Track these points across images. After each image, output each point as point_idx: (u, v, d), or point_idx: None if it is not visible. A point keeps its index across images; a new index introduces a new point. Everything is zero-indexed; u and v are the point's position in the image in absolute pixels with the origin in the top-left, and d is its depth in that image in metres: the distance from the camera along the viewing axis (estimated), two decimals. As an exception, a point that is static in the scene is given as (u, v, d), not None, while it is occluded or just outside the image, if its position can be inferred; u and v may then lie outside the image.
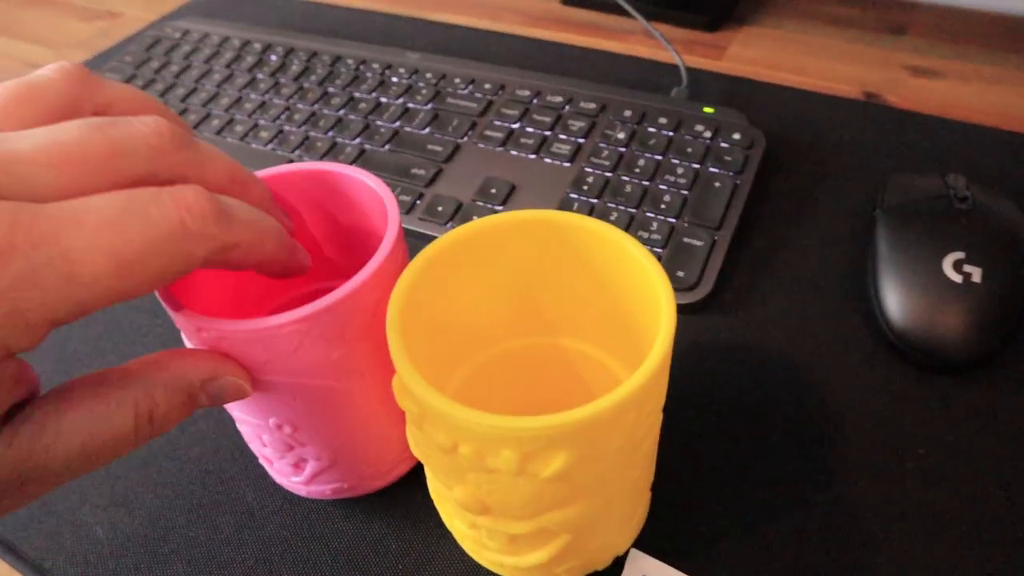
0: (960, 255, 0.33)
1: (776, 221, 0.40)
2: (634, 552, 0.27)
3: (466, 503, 0.22)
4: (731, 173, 0.40)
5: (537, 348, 0.28)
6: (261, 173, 0.26)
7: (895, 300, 0.33)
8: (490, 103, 0.46)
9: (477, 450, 0.20)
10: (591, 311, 0.26)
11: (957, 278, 0.32)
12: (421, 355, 0.24)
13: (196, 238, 0.18)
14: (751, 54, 0.52)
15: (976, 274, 0.32)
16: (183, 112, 0.49)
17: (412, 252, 0.38)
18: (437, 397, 0.20)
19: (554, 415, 0.19)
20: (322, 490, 0.29)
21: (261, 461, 0.29)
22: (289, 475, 0.28)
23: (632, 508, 0.25)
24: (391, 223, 0.24)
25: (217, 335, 0.22)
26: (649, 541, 0.28)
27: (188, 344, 0.24)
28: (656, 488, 0.29)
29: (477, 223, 0.24)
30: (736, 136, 0.42)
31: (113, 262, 0.17)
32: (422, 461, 0.24)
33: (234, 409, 0.26)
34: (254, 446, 0.28)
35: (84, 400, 0.19)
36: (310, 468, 0.27)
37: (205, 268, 0.20)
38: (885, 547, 0.27)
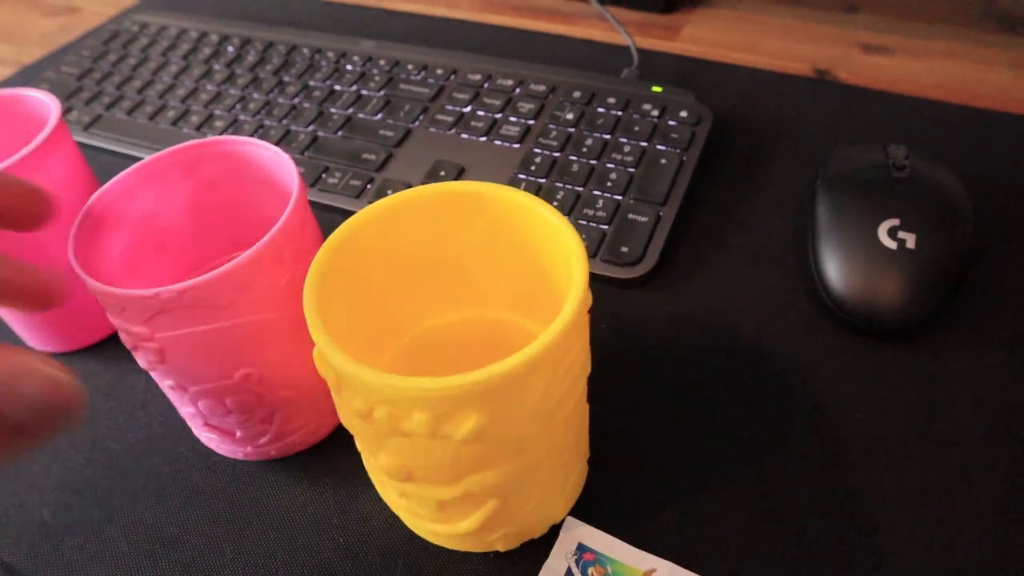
0: (895, 222, 0.33)
1: (722, 196, 0.40)
2: (569, 519, 0.28)
3: (390, 470, 0.23)
4: (677, 150, 0.40)
5: (468, 321, 0.29)
6: (171, 149, 0.29)
7: (833, 267, 0.33)
8: (442, 88, 0.46)
9: (391, 413, 0.20)
10: (516, 281, 0.27)
11: (892, 244, 0.33)
12: (347, 331, 0.24)
13: None
14: (705, 35, 0.53)
15: (910, 240, 0.32)
16: (139, 104, 0.49)
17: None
18: (350, 363, 0.20)
19: (462, 375, 0.19)
20: (289, 443, 0.30)
21: (209, 437, 0.30)
22: (256, 438, 0.29)
23: (564, 475, 0.26)
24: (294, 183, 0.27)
25: (188, 286, 0.23)
26: (587, 510, 0.28)
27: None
28: (595, 459, 0.29)
29: (397, 195, 0.25)
30: (683, 114, 0.42)
31: None
32: (349, 430, 0.24)
33: (194, 382, 0.26)
34: (209, 421, 0.28)
35: None
36: (278, 418, 0.28)
37: None
38: (823, 513, 0.27)
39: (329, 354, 0.20)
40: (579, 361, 0.22)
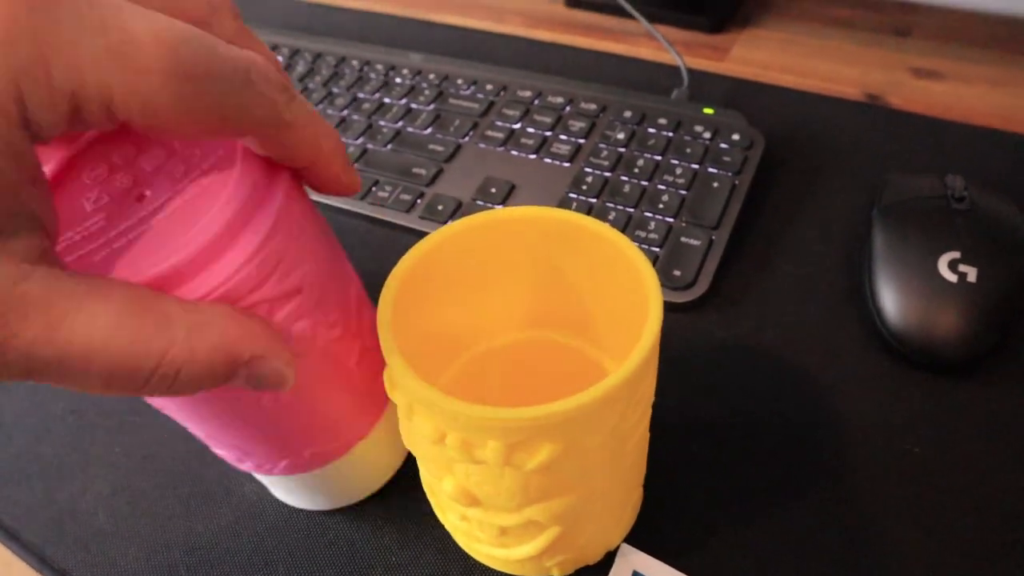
0: (955, 255, 0.33)
1: (774, 221, 0.40)
2: (624, 547, 0.27)
3: (455, 495, 0.23)
4: (729, 173, 0.40)
5: (531, 343, 0.29)
6: None
7: (891, 299, 0.33)
8: (492, 104, 0.47)
9: (464, 441, 0.20)
10: (584, 307, 0.27)
11: (952, 277, 0.32)
12: (413, 349, 0.25)
13: (256, 93, 0.16)
14: (754, 56, 0.52)
15: (971, 274, 0.32)
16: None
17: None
18: (425, 388, 0.20)
19: (539, 406, 0.19)
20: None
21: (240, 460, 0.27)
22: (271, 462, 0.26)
23: (623, 503, 0.25)
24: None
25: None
26: (641, 537, 0.28)
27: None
28: (649, 485, 0.29)
29: (472, 218, 0.25)
30: (735, 137, 0.42)
31: (172, 58, 0.15)
32: (414, 453, 0.24)
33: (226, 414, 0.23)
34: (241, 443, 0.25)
35: (117, 304, 0.15)
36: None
37: (258, 137, 0.18)
38: (879, 547, 0.27)
39: (403, 379, 0.20)
40: (650, 391, 0.22)
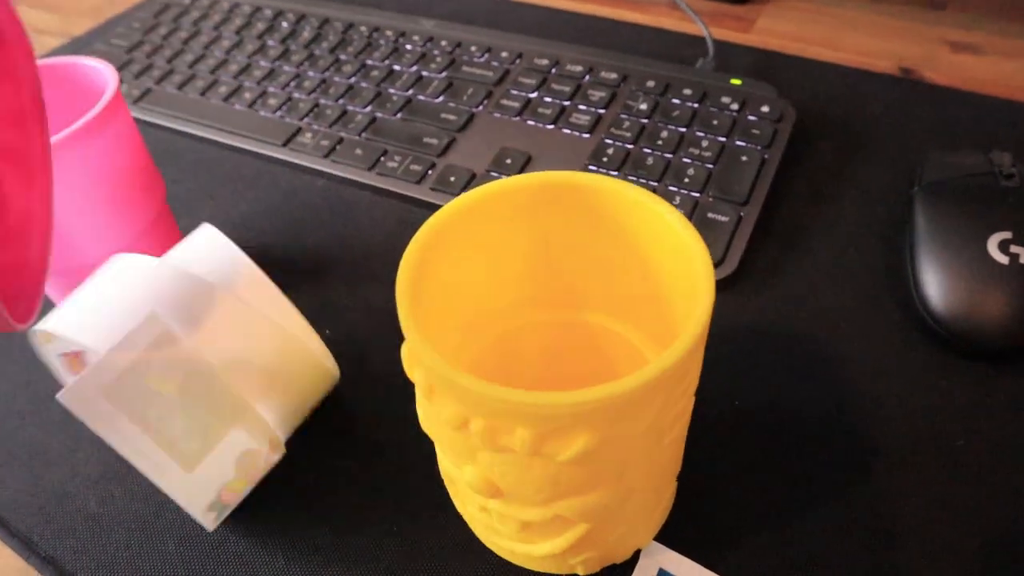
0: (1007, 235, 0.31)
1: (806, 198, 0.38)
2: (652, 544, 0.25)
3: (476, 485, 0.21)
4: (759, 147, 0.38)
5: (562, 323, 0.27)
6: None
7: (935, 283, 0.31)
8: (507, 72, 0.44)
9: (489, 427, 0.18)
10: (620, 284, 0.25)
11: (1003, 259, 0.30)
12: (433, 325, 0.22)
13: None
14: (780, 27, 0.50)
15: (1024, 255, 0.30)
16: (190, 79, 0.48)
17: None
18: (448, 368, 0.18)
19: (576, 392, 0.17)
20: None
21: None
22: None
23: (656, 499, 0.23)
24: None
25: None
26: (671, 533, 0.26)
27: None
28: (681, 478, 0.27)
29: (494, 184, 0.23)
30: (764, 109, 0.39)
31: None
32: (431, 438, 0.22)
33: None
34: None
35: None
36: None
37: None
38: (919, 541, 0.25)
39: (424, 356, 0.18)
40: (694, 382, 0.20)
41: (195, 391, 0.23)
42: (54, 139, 0.27)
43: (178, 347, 0.23)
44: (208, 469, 0.24)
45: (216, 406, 0.24)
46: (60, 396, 0.21)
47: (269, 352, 0.25)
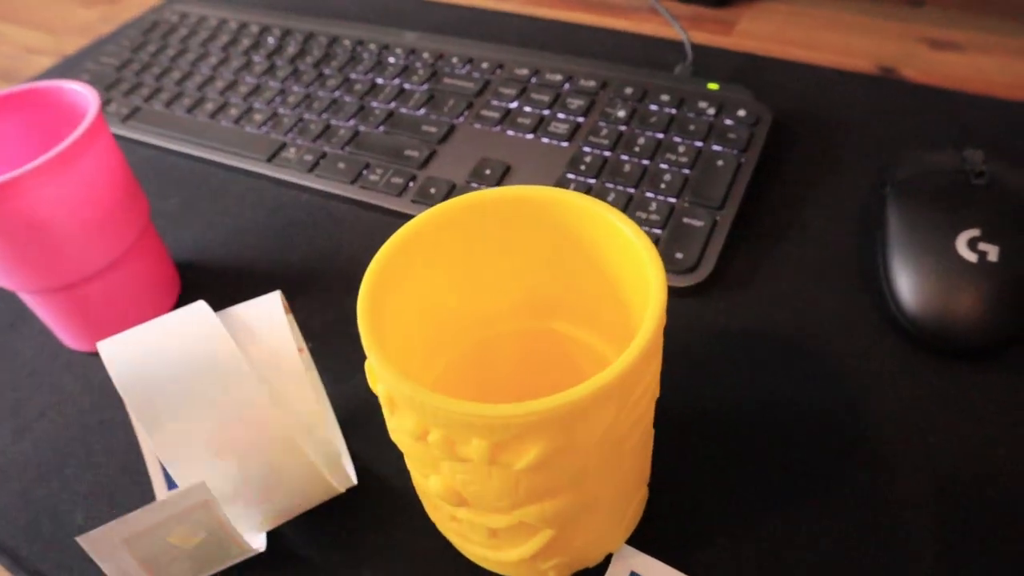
0: (975, 232, 0.31)
1: (783, 200, 0.38)
2: (624, 547, 0.26)
3: (442, 494, 0.21)
4: (735, 151, 0.38)
5: (532, 333, 0.27)
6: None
7: (906, 281, 0.31)
8: (487, 82, 0.45)
9: (447, 437, 0.19)
10: (586, 294, 0.25)
11: (972, 257, 0.30)
12: (399, 338, 0.23)
13: None
14: (761, 29, 0.50)
15: (992, 252, 0.30)
16: (177, 96, 0.48)
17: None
18: (406, 382, 0.18)
19: (526, 403, 0.18)
20: None
21: None
22: None
23: (624, 505, 0.24)
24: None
25: None
26: (643, 536, 0.27)
27: None
28: (653, 481, 0.27)
29: (459, 200, 0.23)
30: (741, 113, 0.40)
31: None
32: (400, 449, 0.23)
33: None
34: None
35: None
36: None
37: None
38: (891, 541, 0.26)
39: (382, 371, 0.19)
40: (651, 388, 0.20)
41: (208, 545, 0.24)
42: (35, 163, 0.28)
43: (211, 511, 0.23)
44: None
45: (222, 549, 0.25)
46: (80, 540, 0.21)
47: (272, 467, 0.24)
